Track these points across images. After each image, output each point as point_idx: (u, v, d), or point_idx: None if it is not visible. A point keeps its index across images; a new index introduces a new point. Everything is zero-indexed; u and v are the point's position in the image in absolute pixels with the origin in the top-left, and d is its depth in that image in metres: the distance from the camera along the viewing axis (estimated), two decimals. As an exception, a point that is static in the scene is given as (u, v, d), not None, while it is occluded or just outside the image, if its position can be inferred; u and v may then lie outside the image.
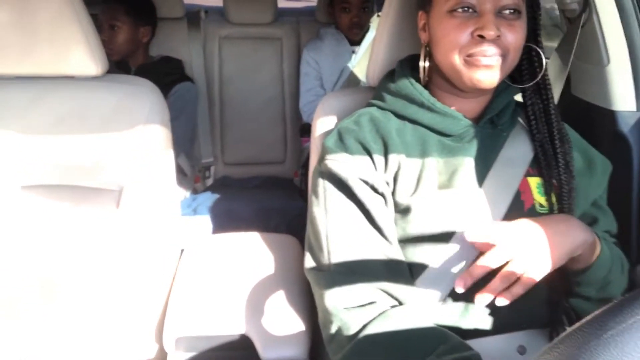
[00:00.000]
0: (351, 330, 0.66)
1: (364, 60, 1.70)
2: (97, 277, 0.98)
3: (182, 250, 1.16)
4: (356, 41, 1.88)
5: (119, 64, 1.68)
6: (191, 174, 1.88)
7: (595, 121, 1.09)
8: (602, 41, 1.05)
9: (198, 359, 0.93)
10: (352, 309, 0.67)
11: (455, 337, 0.64)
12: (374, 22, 1.89)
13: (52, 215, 1.01)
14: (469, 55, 0.70)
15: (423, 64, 0.77)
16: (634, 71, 1.04)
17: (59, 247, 1.00)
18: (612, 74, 1.05)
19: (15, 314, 0.93)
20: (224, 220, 1.61)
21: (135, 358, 0.97)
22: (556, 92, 1.07)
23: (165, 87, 1.67)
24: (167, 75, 1.70)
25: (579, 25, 1.06)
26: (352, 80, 1.82)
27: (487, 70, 0.70)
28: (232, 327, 0.93)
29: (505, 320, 0.72)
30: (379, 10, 1.82)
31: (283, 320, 0.94)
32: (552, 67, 1.10)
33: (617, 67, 1.05)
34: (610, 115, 1.06)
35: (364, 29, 1.86)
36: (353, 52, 1.87)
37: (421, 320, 0.67)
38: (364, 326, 0.65)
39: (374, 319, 0.66)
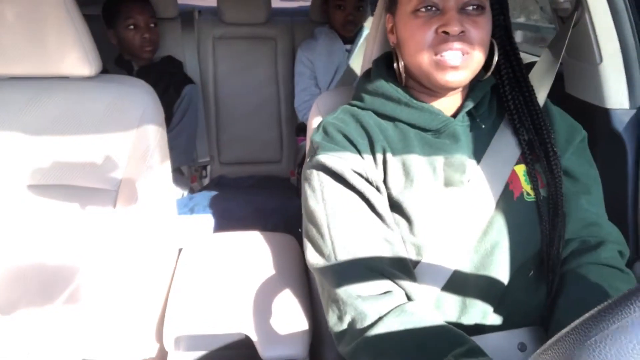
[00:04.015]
0: (367, 321, 0.65)
1: (358, 58, 1.70)
2: (95, 277, 0.97)
3: (181, 250, 1.16)
4: (350, 40, 1.88)
5: (122, 64, 1.68)
6: (188, 173, 1.88)
7: (589, 119, 1.09)
8: (595, 39, 1.06)
9: (198, 358, 0.93)
10: (368, 299, 0.66)
11: (471, 340, 0.64)
12: (368, 22, 1.89)
13: (49, 215, 1.00)
14: (436, 54, 0.70)
15: (397, 65, 0.77)
16: (626, 69, 1.05)
17: (56, 248, 0.99)
18: (605, 72, 1.06)
19: (15, 313, 0.93)
20: (222, 220, 1.60)
21: (135, 357, 0.97)
22: (545, 89, 1.07)
23: (175, 88, 1.69)
24: (172, 76, 1.71)
25: (571, 24, 1.07)
26: (346, 78, 1.82)
27: (455, 71, 0.70)
28: (231, 326, 0.93)
29: (505, 317, 0.72)
30: (373, 10, 1.83)
31: (282, 319, 0.94)
32: (541, 65, 1.10)
33: (609, 65, 1.06)
34: (603, 113, 1.07)
35: (357, 27, 1.86)
36: (347, 50, 1.87)
37: (438, 319, 0.67)
38: (380, 318, 0.65)
39: (391, 311, 0.65)
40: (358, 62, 1.46)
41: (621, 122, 1.05)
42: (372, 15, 1.89)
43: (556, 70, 1.09)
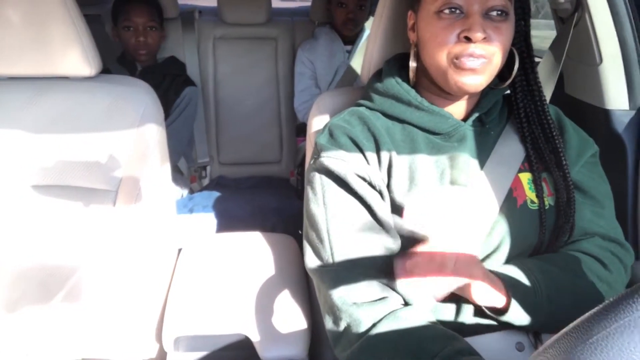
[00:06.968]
0: (362, 327, 0.66)
1: (359, 58, 1.70)
2: (95, 277, 0.97)
3: (180, 250, 1.16)
4: (350, 40, 1.88)
5: (125, 63, 1.68)
6: (187, 173, 1.88)
7: (589, 120, 1.10)
8: (595, 40, 1.06)
9: (198, 359, 0.93)
10: (362, 305, 0.67)
11: (463, 340, 0.64)
12: (369, 23, 1.89)
13: (49, 215, 1.00)
14: (456, 58, 0.69)
15: (412, 64, 0.77)
16: (626, 70, 1.05)
17: (56, 248, 0.99)
18: (605, 72, 1.06)
19: (15, 312, 0.93)
20: (221, 220, 1.61)
21: (135, 357, 0.97)
22: (548, 91, 1.07)
23: (175, 89, 1.68)
24: (175, 77, 1.71)
25: (571, 25, 1.07)
26: (346, 79, 1.82)
27: (473, 74, 0.70)
28: (231, 326, 0.93)
29: None
30: (373, 11, 1.83)
31: (282, 319, 0.94)
32: (544, 66, 1.11)
33: (609, 66, 1.06)
34: (603, 114, 1.07)
35: (358, 26, 1.86)
36: (347, 51, 1.87)
37: (432, 322, 0.67)
38: (374, 324, 0.65)
39: (385, 317, 0.66)
40: (358, 63, 1.46)
41: (621, 123, 1.05)
42: (373, 16, 1.90)
43: (559, 71, 1.09)
